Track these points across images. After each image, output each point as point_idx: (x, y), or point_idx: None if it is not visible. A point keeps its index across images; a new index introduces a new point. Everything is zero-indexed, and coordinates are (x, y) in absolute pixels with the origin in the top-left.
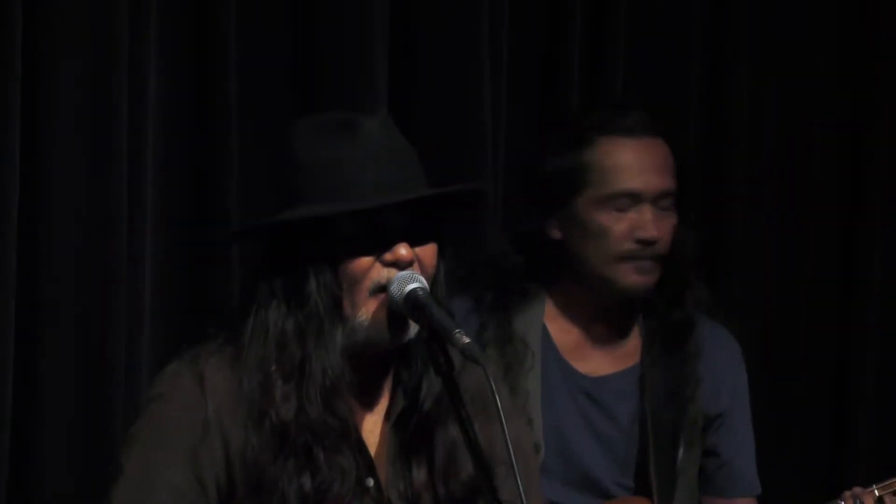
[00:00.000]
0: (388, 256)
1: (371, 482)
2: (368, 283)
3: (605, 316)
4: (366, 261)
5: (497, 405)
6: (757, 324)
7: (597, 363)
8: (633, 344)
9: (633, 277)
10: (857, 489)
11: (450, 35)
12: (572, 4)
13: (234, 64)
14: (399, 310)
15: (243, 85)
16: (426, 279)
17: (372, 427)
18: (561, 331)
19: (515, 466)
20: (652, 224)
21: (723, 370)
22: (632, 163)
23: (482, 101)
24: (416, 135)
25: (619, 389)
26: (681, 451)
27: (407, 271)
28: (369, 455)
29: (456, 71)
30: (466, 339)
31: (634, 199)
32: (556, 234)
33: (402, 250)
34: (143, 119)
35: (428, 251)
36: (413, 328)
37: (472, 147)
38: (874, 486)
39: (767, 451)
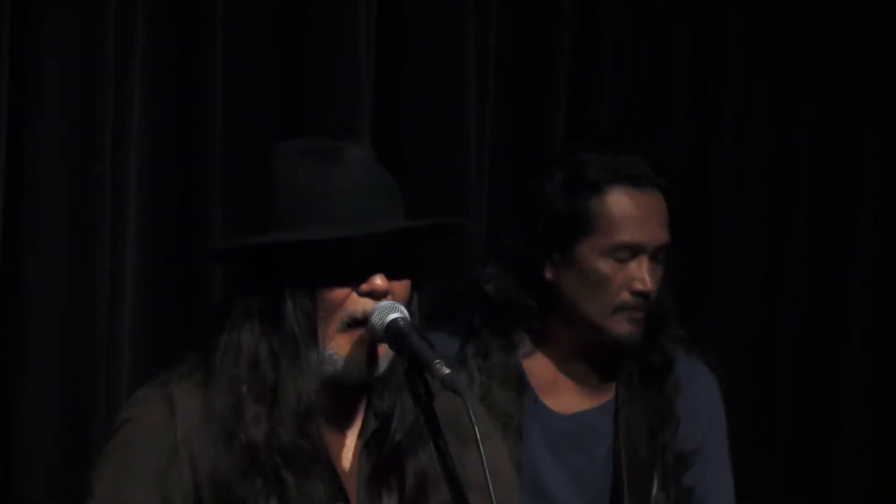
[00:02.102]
0: (364, 287)
1: None
2: (343, 315)
3: (584, 355)
4: (342, 291)
5: (476, 435)
6: (741, 344)
7: (571, 400)
8: (608, 380)
9: (625, 328)
10: None
11: (436, 57)
12: (560, 18)
13: (220, 83)
14: (380, 339)
15: (228, 106)
16: None
17: (346, 449)
18: (537, 368)
19: (492, 495)
20: (649, 277)
21: (699, 406)
22: (639, 215)
23: (467, 122)
24: (400, 162)
25: (594, 426)
26: (654, 489)
27: (388, 301)
28: (340, 481)
29: (441, 94)
30: (447, 370)
31: (636, 251)
32: (548, 275)
33: (378, 280)
34: (126, 135)
35: (401, 286)
36: (385, 361)
37: (455, 173)
38: None
39: (751, 476)
